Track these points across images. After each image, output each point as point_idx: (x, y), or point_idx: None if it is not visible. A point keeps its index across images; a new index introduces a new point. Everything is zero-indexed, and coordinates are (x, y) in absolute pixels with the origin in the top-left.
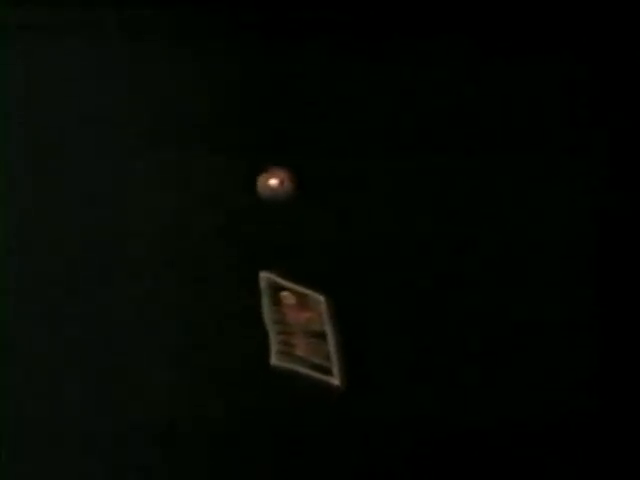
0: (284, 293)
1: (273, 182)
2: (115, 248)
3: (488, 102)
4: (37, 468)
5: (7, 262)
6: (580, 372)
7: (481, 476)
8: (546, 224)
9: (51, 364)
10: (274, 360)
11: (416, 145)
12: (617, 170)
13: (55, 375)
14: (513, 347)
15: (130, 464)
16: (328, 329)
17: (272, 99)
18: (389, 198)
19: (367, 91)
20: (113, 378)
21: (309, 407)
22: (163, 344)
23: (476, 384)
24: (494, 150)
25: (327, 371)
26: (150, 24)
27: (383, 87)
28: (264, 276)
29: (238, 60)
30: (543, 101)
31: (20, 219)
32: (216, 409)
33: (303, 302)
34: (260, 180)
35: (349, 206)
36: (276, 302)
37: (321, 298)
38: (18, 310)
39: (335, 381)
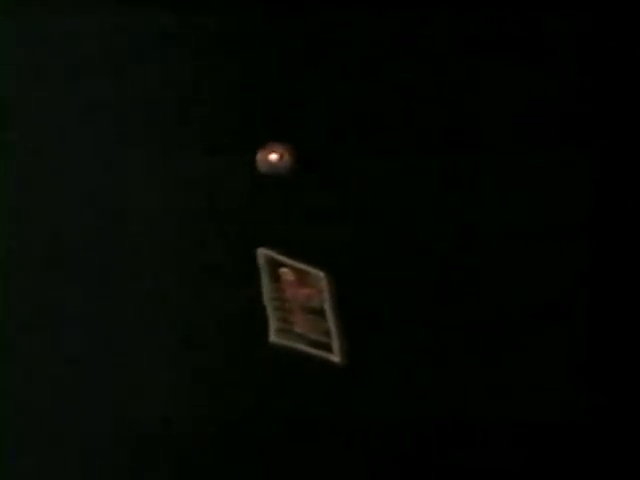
0: (283, 269)
1: (273, 157)
2: (114, 246)
3: (485, 99)
4: (37, 468)
5: (7, 262)
6: (575, 371)
7: (477, 469)
8: (544, 223)
9: (50, 364)
10: (273, 337)
11: (417, 123)
12: (617, 167)
13: (54, 375)
14: (510, 342)
15: (129, 464)
16: (328, 306)
17: (272, 79)
18: (391, 174)
19: (367, 72)
20: (113, 378)
21: (309, 403)
22: (164, 341)
23: (474, 369)
24: (490, 146)
25: (327, 348)
26: (149, 23)
27: (384, 69)
28: (262, 252)
29: (237, 48)
30: (541, 98)
31: (19, 219)
32: (214, 407)
33: (302, 279)
34: (259, 155)
35: (350, 183)
36: (275, 279)
37: (321, 274)
38: (17, 310)
39: (335, 358)
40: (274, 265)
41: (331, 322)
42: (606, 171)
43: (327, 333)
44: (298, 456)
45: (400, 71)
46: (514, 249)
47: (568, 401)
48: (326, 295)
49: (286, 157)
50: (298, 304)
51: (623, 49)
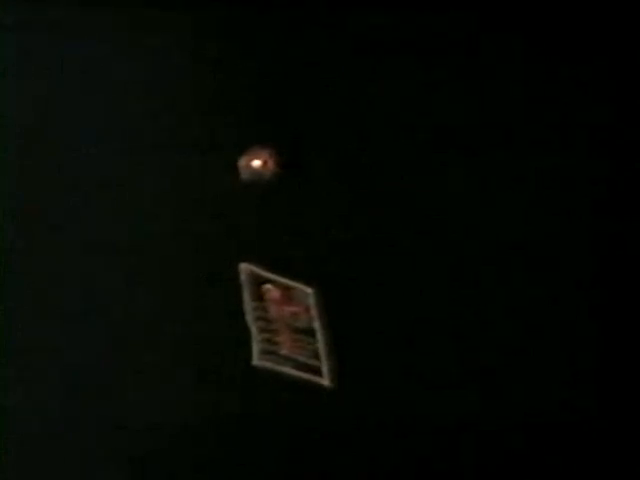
0: (267, 286)
1: (256, 163)
2: (113, 247)
3: (486, 100)
4: (35, 468)
5: (6, 263)
6: (578, 369)
7: (476, 474)
8: (545, 223)
9: (48, 361)
10: (256, 360)
11: (410, 128)
12: (619, 168)
13: (50, 374)
14: (508, 342)
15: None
16: (317, 325)
17: (260, 81)
18: (384, 181)
19: (357, 74)
20: (108, 381)
21: (298, 410)
22: (156, 343)
23: (472, 381)
24: (489, 148)
25: (316, 370)
26: (149, 23)
27: (373, 70)
28: (245, 268)
29: (226, 50)
30: (544, 100)
31: (19, 219)
32: (204, 411)
33: (288, 295)
34: (242, 162)
35: (339, 191)
36: (258, 296)
37: (308, 290)
38: (17, 311)
39: (324, 381)
40: (257, 281)
41: (320, 342)
42: (610, 171)
43: (316, 354)
44: (288, 460)
45: (390, 74)
46: (516, 251)
47: (572, 402)
48: (314, 313)
49: (270, 163)
50: (284, 323)
51: (628, 50)
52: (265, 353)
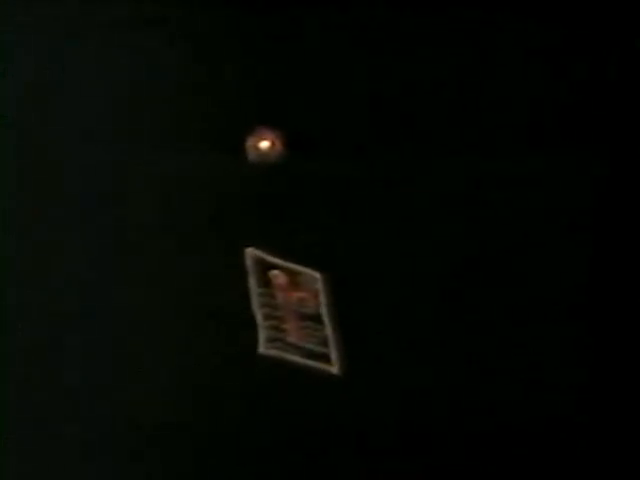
0: (274, 272)
1: (263, 145)
2: (113, 245)
3: (484, 100)
4: (34, 468)
5: (6, 263)
6: (574, 374)
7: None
8: (545, 226)
9: (47, 361)
10: (262, 348)
11: (415, 108)
12: (618, 169)
13: (50, 374)
14: (513, 345)
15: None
16: (325, 310)
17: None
18: (394, 167)
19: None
20: (109, 378)
21: (305, 403)
22: (159, 337)
23: (477, 369)
24: (492, 147)
25: (324, 358)
26: (147, 20)
27: (377, 54)
28: (251, 253)
29: (230, 35)
30: (542, 99)
31: (19, 220)
32: (202, 408)
33: (295, 281)
34: (249, 142)
35: (348, 173)
36: (265, 282)
37: (317, 275)
38: (17, 311)
39: (333, 369)
40: (264, 267)
41: (328, 329)
42: (611, 173)
43: (324, 341)
44: (293, 455)
45: (398, 54)
46: (518, 250)
47: (570, 399)
48: (322, 299)
49: (277, 144)
50: (291, 310)
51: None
52: (271, 341)
